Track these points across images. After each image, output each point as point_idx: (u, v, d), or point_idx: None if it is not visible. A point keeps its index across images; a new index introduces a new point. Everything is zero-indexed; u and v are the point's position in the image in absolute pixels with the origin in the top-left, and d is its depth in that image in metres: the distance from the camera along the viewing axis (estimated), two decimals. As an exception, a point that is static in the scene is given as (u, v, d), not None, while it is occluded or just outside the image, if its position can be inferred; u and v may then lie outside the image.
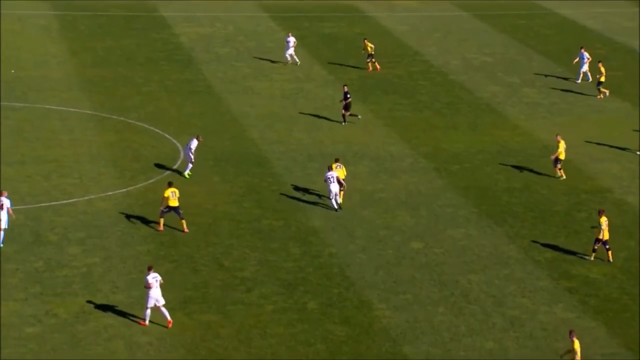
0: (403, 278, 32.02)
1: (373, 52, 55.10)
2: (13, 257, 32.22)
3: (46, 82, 51.34)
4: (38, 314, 28.93)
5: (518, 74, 56.29)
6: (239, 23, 66.14)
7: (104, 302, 29.72)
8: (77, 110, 47.03)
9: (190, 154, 39.26)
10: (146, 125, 45.40)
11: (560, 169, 40.47)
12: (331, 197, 36.83)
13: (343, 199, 37.44)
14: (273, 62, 55.87)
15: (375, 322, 29.32)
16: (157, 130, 44.62)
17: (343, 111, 46.45)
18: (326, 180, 36.81)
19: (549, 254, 34.10)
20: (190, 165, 39.42)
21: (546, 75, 55.40)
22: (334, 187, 36.52)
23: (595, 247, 33.36)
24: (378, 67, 55.17)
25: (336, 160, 38.24)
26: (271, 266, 32.46)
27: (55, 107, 47.50)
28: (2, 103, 46.39)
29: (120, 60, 55.84)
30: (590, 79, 53.40)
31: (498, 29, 66.91)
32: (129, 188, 38.21)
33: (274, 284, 31.24)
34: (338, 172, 37.22)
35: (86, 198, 37.10)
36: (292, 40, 55.90)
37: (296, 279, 31.70)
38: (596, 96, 51.53)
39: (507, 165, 41.84)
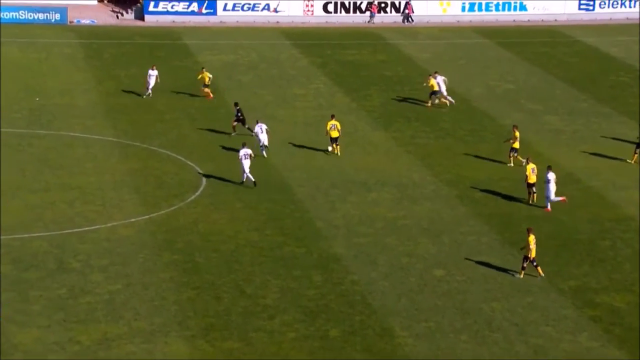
0: (425, 306, 31.88)
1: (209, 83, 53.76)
2: (36, 283, 32.36)
3: (71, 110, 51.74)
4: (61, 341, 28.99)
5: (541, 102, 56.19)
6: (261, 51, 66.49)
7: (127, 329, 29.76)
8: (101, 137, 47.35)
9: (258, 137, 44.68)
10: (169, 152, 45.62)
11: (511, 157, 44.56)
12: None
13: (366, 226, 37.43)
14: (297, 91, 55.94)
15: (398, 350, 29.18)
16: (179, 158, 44.81)
17: (235, 122, 47.43)
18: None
19: (573, 282, 33.86)
20: (262, 147, 44.43)
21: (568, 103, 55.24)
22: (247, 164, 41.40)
23: (524, 265, 33.76)
24: (211, 95, 53.82)
25: (332, 117, 45.91)
26: (293, 293, 32.42)
27: (79, 135, 47.84)
28: (27, 130, 46.74)
29: (143, 88, 56.23)
30: None
31: (521, 56, 66.89)
32: (152, 215, 38.34)
33: (295, 312, 31.18)
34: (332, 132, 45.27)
35: (109, 225, 37.25)
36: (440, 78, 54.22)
37: (318, 306, 31.63)
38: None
39: (529, 193, 41.65)
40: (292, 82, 58.92)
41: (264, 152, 44.77)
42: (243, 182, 41.38)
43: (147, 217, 38.13)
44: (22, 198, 39.40)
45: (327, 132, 46.12)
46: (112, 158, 44.75)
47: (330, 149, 46.16)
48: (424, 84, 55.12)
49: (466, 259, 35.29)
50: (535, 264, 33.81)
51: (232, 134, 47.69)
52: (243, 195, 40.70)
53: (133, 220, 37.79)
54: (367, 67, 63.23)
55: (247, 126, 47.57)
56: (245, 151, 41.41)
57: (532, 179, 40.62)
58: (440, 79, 54.40)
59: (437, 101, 54.11)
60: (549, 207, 39.95)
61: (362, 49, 67.77)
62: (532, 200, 40.73)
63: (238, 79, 59.41)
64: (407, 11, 76.81)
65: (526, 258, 33.80)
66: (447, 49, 68.72)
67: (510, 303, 32.19)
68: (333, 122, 46.06)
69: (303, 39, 70.36)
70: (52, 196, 39.79)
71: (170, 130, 48.91)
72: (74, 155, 44.89)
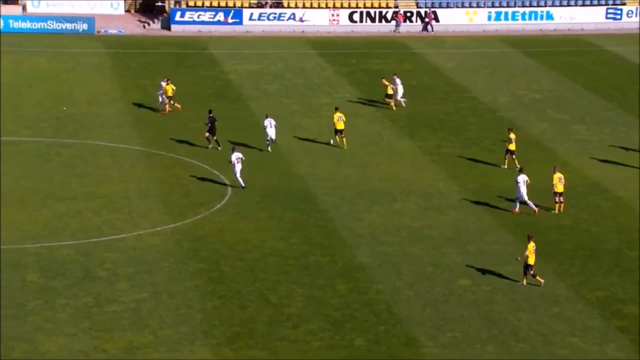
0: (451, 316, 31.76)
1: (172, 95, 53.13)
2: (63, 292, 32.54)
3: (98, 119, 52.07)
4: (87, 349, 29.13)
5: (568, 111, 55.93)
6: (287, 60, 66.64)
7: (152, 337, 29.85)
8: (127, 146, 47.60)
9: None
10: (194, 161, 45.79)
11: (507, 159, 45.10)
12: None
13: (391, 236, 37.38)
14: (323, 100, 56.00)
15: (423, 360, 29.09)
16: (205, 167, 44.96)
17: (207, 134, 47.02)
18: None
19: (600, 292, 33.62)
20: (269, 142, 46.63)
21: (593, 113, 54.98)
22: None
23: (528, 272, 33.77)
24: (179, 107, 53.20)
25: (336, 109, 47.37)
26: (318, 302, 32.40)
27: (106, 144, 48.12)
28: (55, 140, 47.07)
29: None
30: None
31: (547, 65, 66.63)
32: (178, 223, 38.48)
33: (320, 321, 31.16)
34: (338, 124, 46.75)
35: (135, 233, 37.42)
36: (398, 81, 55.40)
37: (343, 315, 31.59)
38: None
39: (556, 202, 41.43)
40: (318, 91, 59.00)
41: (269, 148, 46.43)
42: (244, 186, 41.59)
43: (173, 225, 38.27)
44: (50, 207, 39.67)
45: (334, 124, 47.31)
46: (138, 167, 44.96)
47: (332, 142, 47.62)
48: (389, 85, 55.20)
49: (492, 268, 35.13)
50: (532, 272, 33.68)
51: (218, 148, 46.69)
52: (268, 204, 40.77)
53: (159, 228, 37.94)
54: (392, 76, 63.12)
55: (215, 138, 46.88)
56: (236, 155, 41.83)
57: (559, 188, 40.43)
58: (398, 81, 55.43)
59: (392, 103, 54.97)
60: (517, 209, 40.14)
61: (387, 58, 67.75)
62: (559, 210, 40.51)
63: (264, 88, 59.56)
64: (427, 20, 76.74)
65: (527, 265, 33.72)
66: (473, 58, 68.57)
67: (537, 313, 32.00)
68: (339, 114, 47.63)
69: (328, 48, 70.45)
70: (79, 205, 40.02)
71: (196, 139, 49.09)
72: (100, 164, 45.16)
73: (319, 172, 44.98)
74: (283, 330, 30.54)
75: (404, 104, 55.19)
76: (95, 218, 38.79)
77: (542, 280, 33.81)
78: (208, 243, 36.72)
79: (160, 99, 53.26)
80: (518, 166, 43.13)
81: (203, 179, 43.43)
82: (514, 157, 45.29)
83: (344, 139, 47.53)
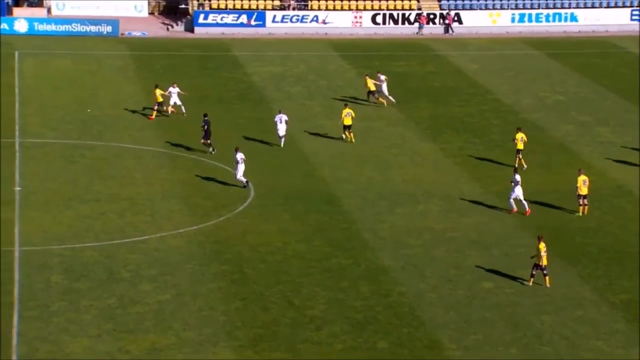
0: (474, 318, 31.66)
1: None
2: (87, 293, 32.70)
3: (121, 121, 52.29)
4: (111, 350, 29.25)
5: (591, 113, 55.63)
6: (310, 62, 66.67)
7: (175, 339, 29.94)
8: (150, 148, 47.77)
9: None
10: (217, 164, 45.90)
11: (520, 159, 45.36)
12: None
13: (414, 238, 37.33)
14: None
15: (446, 363, 29.01)
16: (228, 169, 45.05)
17: (202, 140, 46.74)
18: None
19: (625, 295, 33.41)
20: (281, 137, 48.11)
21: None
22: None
23: (534, 273, 33.58)
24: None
25: (345, 105, 48.66)
26: (341, 305, 32.39)
27: (129, 146, 48.33)
28: (79, 142, 47.32)
29: (193, 99, 56.62)
30: None
31: (571, 67, 66.29)
32: (200, 225, 38.57)
33: (343, 323, 31.14)
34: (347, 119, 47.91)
35: (158, 235, 37.55)
36: (383, 77, 55.98)
37: (366, 317, 31.56)
38: None
39: (580, 205, 41.22)
40: (341, 93, 58.96)
41: (282, 142, 47.92)
42: (246, 185, 41.89)
43: (195, 227, 38.38)
44: (74, 208, 39.88)
45: (342, 120, 48.21)
46: (161, 169, 45.11)
47: (343, 137, 48.72)
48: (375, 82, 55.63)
49: (515, 271, 34.98)
50: (545, 272, 33.64)
51: (212, 152, 46.57)
52: (291, 206, 40.79)
53: (182, 230, 38.06)
54: (415, 78, 63.09)
55: (209, 141, 46.56)
56: (240, 155, 42.08)
57: (584, 190, 40.22)
58: (382, 78, 55.92)
59: (375, 101, 55.44)
60: (514, 208, 40.38)
61: (410, 60, 67.64)
62: (583, 212, 40.29)
63: (287, 90, 59.62)
64: (447, 22, 76.57)
65: (536, 266, 33.64)
66: (497, 60, 68.33)
67: (561, 316, 31.84)
68: (348, 110, 48.60)
69: (351, 50, 70.43)
70: (103, 206, 40.21)
71: (219, 141, 49.18)
72: (124, 166, 45.35)
73: (341, 174, 44.96)
74: (306, 332, 30.55)
75: (392, 99, 55.68)
76: (119, 220, 38.96)
77: (548, 285, 33.53)
78: (231, 245, 36.80)
79: (170, 102, 52.72)
80: (525, 166, 44.41)
81: (226, 181, 43.52)
82: (519, 156, 45.54)
83: (351, 134, 48.59)
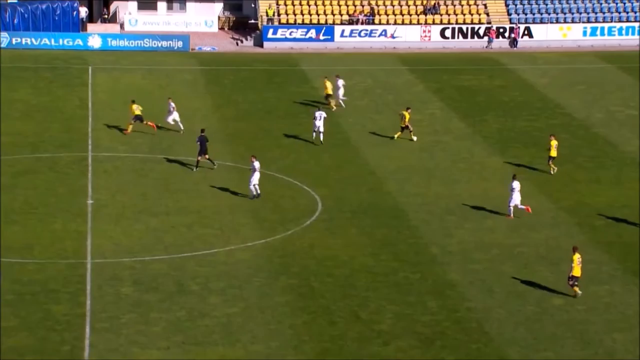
0: (544, 335, 31.25)
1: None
2: (157, 306, 33.07)
3: (190, 136, 52.85)
4: (179, 361, 29.53)
5: (665, 127, 54.65)
6: (377, 76, 66.69)
7: (243, 352, 30.11)
8: (219, 162, 48.20)
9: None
10: (285, 177, 46.12)
11: (551, 165, 46.40)
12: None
13: (482, 253, 37.04)
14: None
15: (514, 380, 28.67)
16: (295, 182, 45.25)
17: (199, 157, 45.99)
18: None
19: (699, 314, 32.68)
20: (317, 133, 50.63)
21: None
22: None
23: (570, 283, 33.51)
24: (153, 125, 52.18)
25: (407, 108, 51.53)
26: (408, 319, 32.26)
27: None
28: (149, 155, 47.94)
29: (261, 113, 57.08)
30: None
31: (643, 80, 65.23)
32: (268, 239, 38.78)
33: (411, 338, 31.00)
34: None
35: (226, 249, 37.84)
36: (341, 82, 57.71)
37: (433, 333, 31.38)
38: None
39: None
40: (408, 107, 58.78)
41: (314, 138, 50.61)
42: (258, 195, 42.21)
43: (263, 241, 38.59)
44: (144, 221, 40.41)
45: (404, 119, 50.97)
46: (229, 182, 45.47)
47: (414, 138, 51.22)
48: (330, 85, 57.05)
49: (586, 287, 34.47)
50: (571, 283, 33.49)
51: (215, 166, 46.29)
52: (358, 220, 40.79)
53: (250, 244, 38.29)
54: (483, 92, 62.69)
55: (207, 156, 46.11)
56: (257, 164, 42.30)
57: (554, 152, 40.81)
58: (340, 82, 57.08)
59: (332, 103, 56.83)
60: (511, 214, 40.55)
61: (479, 74, 67.25)
62: None
63: (354, 104, 59.70)
64: (513, 35, 75.95)
65: (571, 277, 33.47)
66: (567, 74, 67.56)
67: (634, 334, 31.26)
68: (405, 112, 51.53)
69: (419, 64, 70.28)
70: (172, 220, 40.67)
71: (287, 155, 49.45)
72: (192, 179, 45.83)
73: (409, 188, 44.83)
74: (373, 347, 30.47)
75: (343, 105, 57.04)
76: (188, 233, 39.36)
77: (579, 292, 33.59)
78: (298, 259, 36.92)
79: (168, 116, 52.20)
80: (554, 169, 46.15)
81: (293, 195, 43.70)
82: (551, 162, 46.47)
83: (411, 132, 51.28)
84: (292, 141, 52.03)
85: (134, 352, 29.93)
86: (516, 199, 40.84)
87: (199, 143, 46.46)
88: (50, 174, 45.98)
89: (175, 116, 52.38)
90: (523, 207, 40.90)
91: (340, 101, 57.67)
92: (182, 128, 52.29)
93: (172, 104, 52.84)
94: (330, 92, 56.99)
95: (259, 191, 42.55)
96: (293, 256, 37.04)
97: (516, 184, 40.98)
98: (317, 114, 50.84)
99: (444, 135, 52.83)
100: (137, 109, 52.12)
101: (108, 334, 31.00)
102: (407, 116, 51.37)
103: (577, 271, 33.45)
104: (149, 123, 52.25)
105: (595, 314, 32.69)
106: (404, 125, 51.60)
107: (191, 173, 46.63)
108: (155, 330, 31.40)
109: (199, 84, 64.19)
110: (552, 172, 46.32)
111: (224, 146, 50.98)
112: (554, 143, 46.40)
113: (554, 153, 46.31)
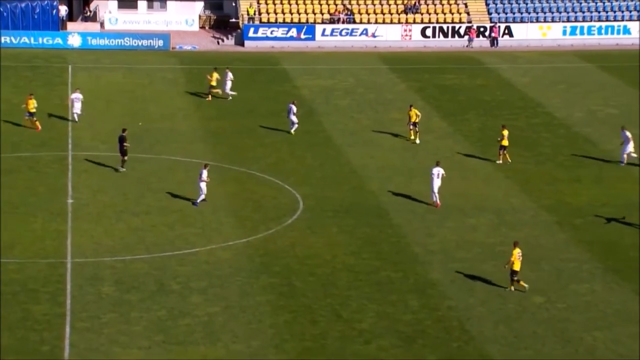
0: (524, 333, 31.35)
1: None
2: (138, 305, 32.96)
3: (172, 135, 52.74)
4: (160, 361, 29.43)
5: (644, 126, 54.91)
6: (359, 75, 66.73)
7: (224, 351, 30.05)
8: (200, 161, 48.06)
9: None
10: (267, 176, 46.07)
11: (501, 154, 47.70)
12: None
13: (463, 252, 37.10)
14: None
15: (496, 379, 28.74)
16: (277, 181, 45.20)
17: (122, 157, 46.00)
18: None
19: (679, 311, 32.85)
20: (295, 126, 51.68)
21: None
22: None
23: (515, 279, 33.92)
24: (38, 126, 51.82)
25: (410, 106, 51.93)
26: (390, 318, 32.28)
27: (180, 159, 48.70)
28: (130, 155, 47.72)
29: (243, 112, 56.98)
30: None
31: (625, 81, 65.56)
32: (250, 238, 38.72)
33: (392, 337, 31.03)
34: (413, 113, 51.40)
35: (208, 248, 37.76)
36: (229, 75, 59.31)
37: (415, 331, 31.42)
38: None
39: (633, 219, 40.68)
40: (390, 106, 58.92)
41: (293, 130, 51.98)
42: (204, 200, 41.77)
43: (245, 240, 38.53)
44: (125, 221, 40.26)
45: (410, 118, 51.44)
46: (211, 181, 45.35)
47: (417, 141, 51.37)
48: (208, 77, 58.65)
49: (566, 286, 34.60)
50: (516, 278, 33.88)
51: (121, 168, 45.72)
52: (340, 219, 40.79)
53: (231, 243, 38.23)
54: (465, 91, 62.84)
55: (125, 158, 45.68)
56: (205, 174, 41.67)
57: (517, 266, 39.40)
58: (229, 76, 58.96)
59: (214, 93, 58.54)
60: (438, 202, 41.80)
61: (460, 74, 67.40)
62: None
63: (335, 103, 59.71)
64: (493, 34, 76.17)
65: (513, 272, 33.85)
66: (547, 73, 67.81)
67: (614, 332, 31.41)
68: (415, 111, 51.79)
69: (401, 63, 70.37)
70: (153, 219, 40.55)
71: (269, 155, 49.39)
72: (174, 178, 45.70)
73: (390, 187, 44.88)
74: (354, 345, 30.48)
75: (229, 98, 58.51)
76: (169, 232, 39.25)
77: (526, 286, 33.91)
78: (279, 258, 36.88)
79: (73, 109, 53.03)
80: (509, 160, 47.29)
81: (275, 194, 43.65)
82: (505, 152, 47.81)
83: (417, 133, 51.40)
84: (273, 140, 51.97)
85: (114, 352, 29.82)
86: (436, 184, 41.88)
87: (121, 143, 46.07)
88: (30, 173, 45.74)
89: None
90: (436, 197, 41.76)
91: (228, 93, 58.87)
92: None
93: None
94: (214, 83, 58.55)
95: (198, 200, 41.98)
96: (274, 255, 37.01)
97: (436, 170, 41.98)
98: (290, 106, 52.60)
99: (426, 134, 52.91)
100: (32, 105, 51.76)
101: (88, 333, 30.87)
102: (413, 114, 51.36)
103: (517, 265, 33.92)
104: (36, 122, 51.87)
105: (576, 312, 32.82)
106: (412, 122, 51.66)
107: (173, 172, 46.49)
108: (136, 329, 31.29)
109: (179, 83, 64.02)
110: (499, 161, 47.57)
111: (206, 145, 50.87)
112: (505, 133, 47.81)
113: (505, 142, 47.72)
